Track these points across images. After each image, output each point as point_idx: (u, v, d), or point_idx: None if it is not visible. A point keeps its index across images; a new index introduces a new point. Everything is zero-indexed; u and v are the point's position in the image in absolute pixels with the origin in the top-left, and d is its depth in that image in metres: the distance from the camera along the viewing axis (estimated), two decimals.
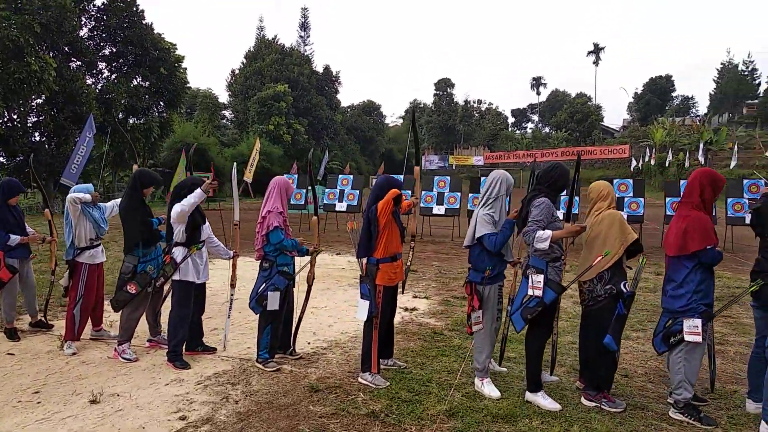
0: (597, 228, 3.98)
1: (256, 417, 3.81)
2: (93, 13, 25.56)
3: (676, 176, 36.52)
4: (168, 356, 4.81)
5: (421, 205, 14.54)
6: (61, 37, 22.01)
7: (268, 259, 4.81)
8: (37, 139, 22.29)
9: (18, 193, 5.55)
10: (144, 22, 26.52)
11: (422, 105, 77.88)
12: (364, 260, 4.51)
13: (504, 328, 4.75)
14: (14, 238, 5.40)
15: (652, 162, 42.78)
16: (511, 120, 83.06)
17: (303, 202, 16.11)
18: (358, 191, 15.41)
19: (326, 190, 15.72)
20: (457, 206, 14.62)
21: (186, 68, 28.51)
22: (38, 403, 4.02)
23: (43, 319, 5.84)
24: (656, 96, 71.43)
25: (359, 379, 4.40)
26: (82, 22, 24.52)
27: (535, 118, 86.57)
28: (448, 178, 15.13)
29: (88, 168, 22.77)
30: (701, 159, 36.68)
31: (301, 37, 53.97)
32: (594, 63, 79.55)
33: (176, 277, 4.78)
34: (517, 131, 78.34)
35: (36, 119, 22.33)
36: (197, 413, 3.87)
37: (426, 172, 46.08)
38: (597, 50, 78.71)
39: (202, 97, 40.73)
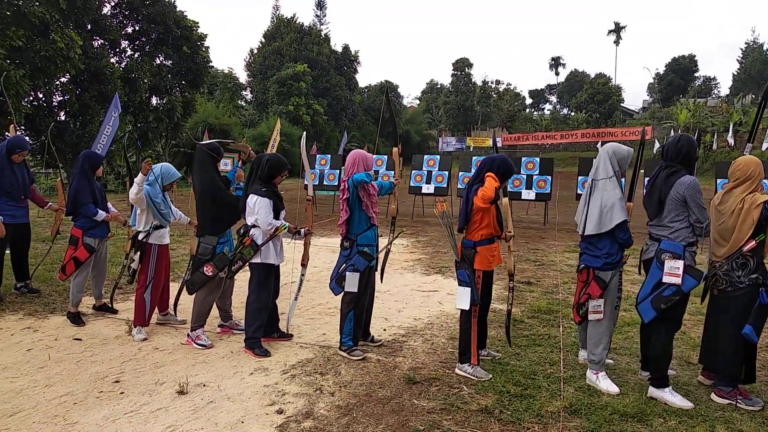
0: (737, 209, 3.53)
1: (359, 411, 3.53)
2: None
3: (703, 158, 35.67)
4: (246, 343, 4.54)
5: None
6: (86, 14, 21.65)
7: (349, 239, 4.51)
8: (63, 118, 22.05)
9: (101, 163, 5.31)
10: (167, 0, 26.06)
11: (439, 85, 76.98)
12: (459, 245, 4.19)
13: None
14: (101, 214, 5.16)
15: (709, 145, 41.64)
16: (528, 101, 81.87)
17: (336, 183, 15.78)
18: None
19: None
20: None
21: (208, 47, 28.06)
22: (121, 393, 3.76)
23: (108, 303, 5.59)
24: (679, 76, 69.88)
25: (457, 371, 4.10)
26: None
27: (554, 99, 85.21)
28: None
29: (112, 148, 22.58)
30: (730, 140, 35.76)
31: (317, 16, 53.17)
32: (614, 42, 78.00)
33: (257, 260, 4.49)
34: (535, 112, 77.15)
35: (61, 98, 22.08)
36: (293, 406, 3.60)
37: (443, 153, 45.45)
38: (618, 29, 77.08)
39: (222, 77, 40.27)
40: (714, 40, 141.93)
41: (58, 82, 21.56)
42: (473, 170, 14.03)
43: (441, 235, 11.53)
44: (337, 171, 15.88)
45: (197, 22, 27.26)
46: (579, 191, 13.14)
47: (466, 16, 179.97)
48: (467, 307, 4.02)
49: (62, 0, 19.45)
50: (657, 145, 43.03)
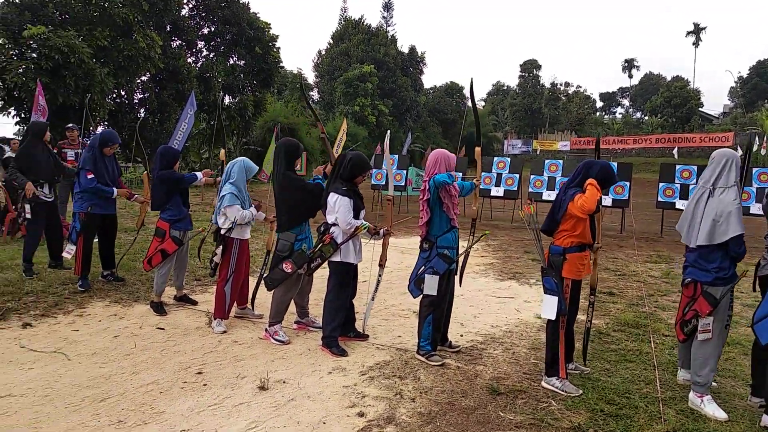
0: None
1: (442, 419, 3.39)
2: None
3: None
4: (323, 341, 4.50)
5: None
6: (166, 15, 22.59)
7: (428, 240, 4.38)
8: (142, 115, 23.11)
9: (178, 158, 5.46)
10: (241, 2, 26.84)
11: (506, 87, 75.62)
12: (546, 250, 3.98)
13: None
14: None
15: (762, 151, 39.17)
16: (599, 104, 79.19)
17: (403, 184, 15.71)
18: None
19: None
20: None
21: (279, 47, 28.69)
22: (204, 385, 3.79)
23: (187, 294, 5.71)
24: (764, 80, 65.68)
25: (544, 384, 3.89)
26: (184, 1, 25.07)
27: (626, 102, 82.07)
28: (561, 162, 14.21)
29: (187, 144, 23.44)
30: None
31: (384, 17, 53.51)
32: (693, 44, 74.15)
33: (336, 258, 4.44)
34: (606, 116, 74.54)
35: (141, 96, 23.14)
36: (374, 410, 3.50)
37: (508, 156, 44.50)
38: (697, 30, 73.29)
39: (291, 77, 41.17)
40: None
41: (138, 81, 22.57)
42: (545, 174, 13.79)
43: (511, 239, 11.22)
44: (404, 171, 15.79)
45: (269, 24, 27.90)
46: (660, 198, 12.48)
47: (535, 17, 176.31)
48: (553, 317, 3.81)
49: (144, 2, 20.35)
50: (739, 151, 40.55)
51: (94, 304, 5.50)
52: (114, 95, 21.94)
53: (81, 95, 17.96)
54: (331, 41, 48.52)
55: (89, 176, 5.63)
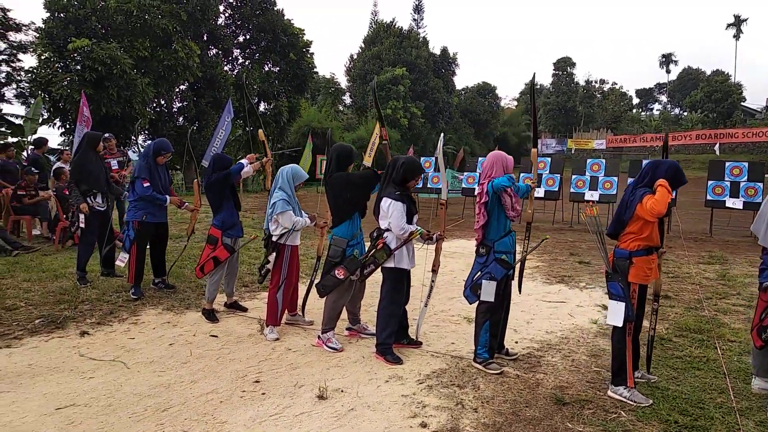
0: None
1: (507, 431, 3.29)
2: (231, 1, 26.57)
3: None
4: (378, 349, 4.44)
5: (572, 190, 13.46)
6: (204, 25, 23.03)
7: (485, 245, 4.28)
8: (181, 123, 23.59)
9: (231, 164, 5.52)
10: (275, 9, 27.18)
11: (539, 86, 74.62)
12: (610, 254, 3.84)
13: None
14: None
15: None
16: (635, 101, 77.43)
17: (439, 186, 15.58)
18: (558, 175, 13.83)
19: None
20: (614, 192, 13.25)
21: (313, 53, 28.93)
22: (263, 394, 3.77)
23: (237, 300, 5.75)
24: None
25: (610, 393, 3.75)
26: (221, 10, 25.51)
27: (663, 98, 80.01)
28: (603, 161, 13.84)
29: (224, 150, 23.80)
30: None
31: (414, 20, 53.41)
32: (734, 37, 71.75)
33: (390, 264, 4.38)
34: (643, 113, 72.83)
35: (180, 104, 23.64)
36: (436, 420, 3.42)
37: (541, 155, 43.84)
38: (738, 22, 70.86)
39: (324, 82, 41.45)
40: None
41: (177, 90, 23.04)
42: (587, 174, 13.47)
43: (555, 241, 10.99)
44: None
45: (303, 30, 28.18)
46: (709, 197, 12.05)
47: (568, 14, 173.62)
48: (620, 324, 3.66)
49: (183, 12, 20.77)
50: None
51: (147, 311, 5.58)
52: (154, 105, 22.44)
53: (123, 105, 18.43)
54: (363, 45, 48.65)
55: (145, 184, 5.73)
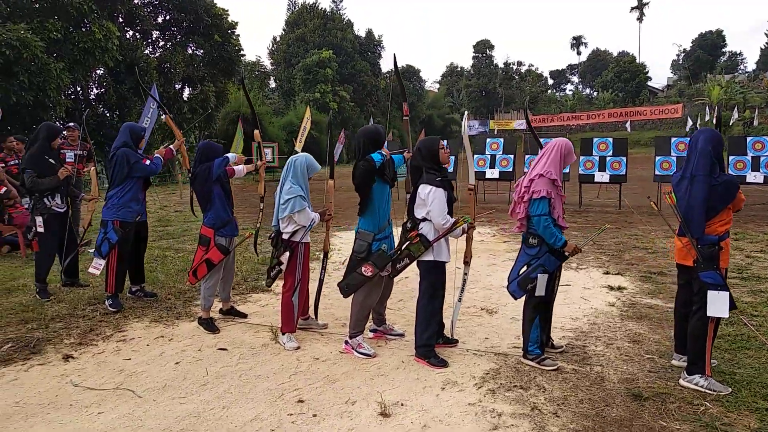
0: None
1: None
2: None
3: (744, 135, 34.52)
4: (419, 351, 4.05)
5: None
6: (120, 4, 21.20)
7: (537, 235, 3.95)
8: (101, 111, 21.72)
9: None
10: None
11: (459, 68, 75.63)
12: (695, 241, 3.59)
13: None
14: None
15: (755, 123, 40.32)
16: (550, 82, 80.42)
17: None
18: (512, 156, 13.95)
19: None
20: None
21: (239, 35, 27.51)
22: (314, 416, 3.28)
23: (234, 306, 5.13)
24: (706, 52, 68.01)
25: (684, 383, 3.55)
26: None
27: (575, 79, 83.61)
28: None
29: (150, 141, 22.20)
30: None
31: (333, 1, 52.41)
32: (637, 19, 76.04)
33: (428, 257, 3.97)
34: (557, 93, 75.72)
35: (98, 91, 21.73)
36: (521, 430, 3.09)
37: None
38: (641, 5, 75.08)
39: (249, 65, 39.81)
40: (740, 13, 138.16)
41: (95, 75, 21.17)
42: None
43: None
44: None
45: (227, 10, 26.72)
46: (657, 172, 12.43)
47: None
48: (727, 315, 3.46)
49: None
50: (690, 123, 41.70)
51: (133, 325, 4.86)
52: (70, 91, 20.52)
53: (35, 92, 16.65)
54: (286, 27, 47.15)
55: (146, 162, 5.19)
